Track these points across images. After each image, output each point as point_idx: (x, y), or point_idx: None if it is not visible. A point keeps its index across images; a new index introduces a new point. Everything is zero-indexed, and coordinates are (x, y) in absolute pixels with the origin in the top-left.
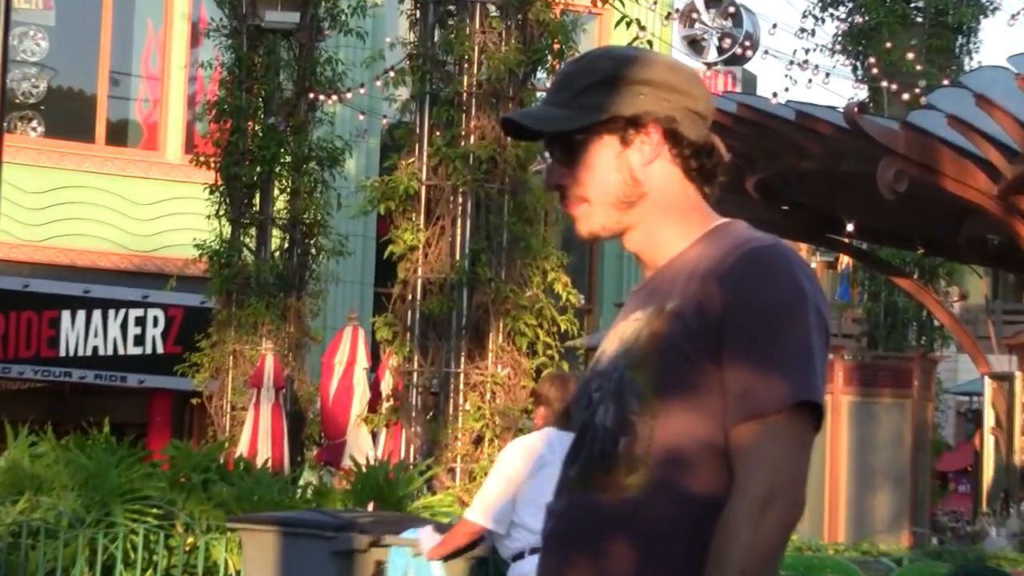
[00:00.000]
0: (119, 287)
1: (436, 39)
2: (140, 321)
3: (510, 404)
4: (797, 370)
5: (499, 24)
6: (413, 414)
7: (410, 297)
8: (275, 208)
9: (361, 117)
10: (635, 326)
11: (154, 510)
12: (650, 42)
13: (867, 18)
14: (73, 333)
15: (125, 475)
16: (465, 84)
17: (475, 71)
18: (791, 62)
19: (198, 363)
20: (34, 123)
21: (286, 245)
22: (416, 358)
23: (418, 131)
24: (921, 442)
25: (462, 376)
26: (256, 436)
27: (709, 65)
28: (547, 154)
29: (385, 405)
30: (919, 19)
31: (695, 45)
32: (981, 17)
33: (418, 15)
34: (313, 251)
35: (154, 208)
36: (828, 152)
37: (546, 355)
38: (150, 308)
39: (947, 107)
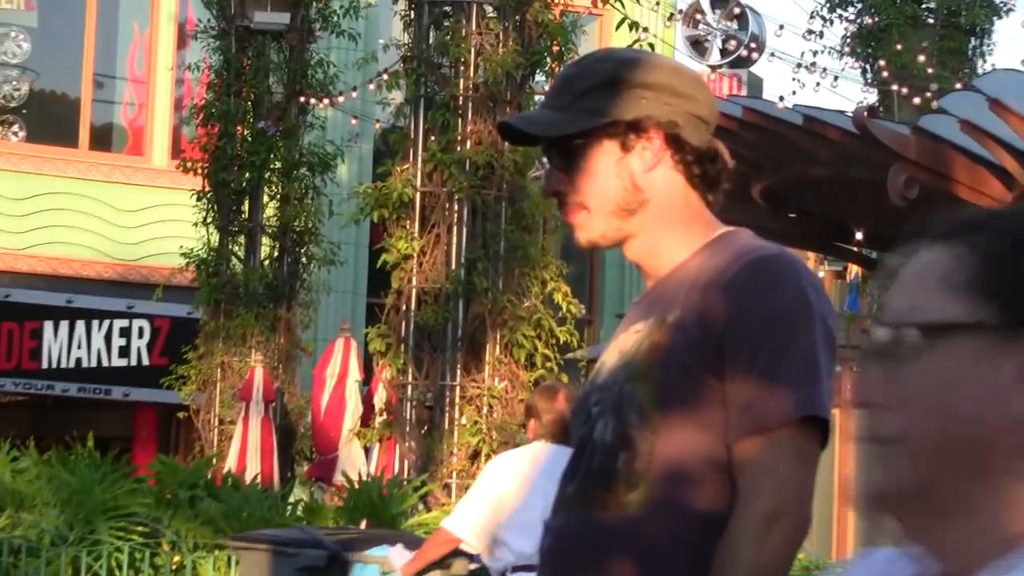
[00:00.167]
0: (103, 297)
1: (431, 41)
2: (125, 332)
3: (507, 418)
4: (802, 383)
5: (496, 25)
6: (407, 428)
7: (404, 307)
8: (264, 215)
9: (353, 121)
10: (635, 338)
11: (139, 527)
12: (652, 45)
13: (877, 19)
14: (56, 344)
15: (109, 491)
16: (461, 87)
17: (471, 74)
18: (798, 65)
19: (185, 375)
20: (15, 127)
21: (276, 254)
22: (410, 370)
23: (412, 136)
24: None
25: (458, 389)
26: (245, 451)
27: (713, 68)
28: (545, 160)
29: (378, 419)
30: (930, 20)
31: (698, 46)
32: (995, 18)
33: (412, 16)
34: (304, 260)
35: (139, 215)
36: (837, 158)
37: (545, 367)
38: (135, 319)
39: (960, 111)
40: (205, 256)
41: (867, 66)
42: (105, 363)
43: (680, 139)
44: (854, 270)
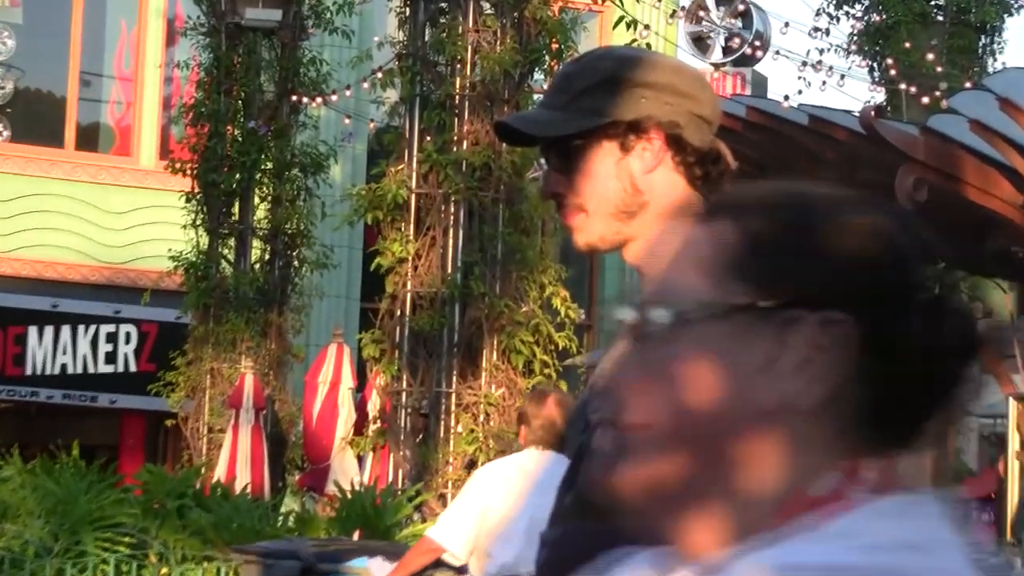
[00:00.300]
0: (89, 301)
1: (427, 38)
2: (112, 337)
3: (504, 426)
4: None
5: (494, 22)
6: (402, 437)
7: (399, 312)
8: (255, 217)
9: (347, 121)
10: None
11: (126, 538)
12: (648, 44)
13: (884, 16)
14: (40, 350)
15: (95, 501)
16: (458, 86)
17: (468, 72)
18: (804, 63)
19: (173, 382)
20: None
21: (267, 257)
22: (405, 377)
23: (407, 136)
24: (940, 468)
25: (454, 396)
26: (234, 460)
27: (717, 66)
28: (543, 160)
29: (372, 427)
30: (940, 18)
31: (700, 43)
32: (1005, 16)
33: (408, 13)
34: (296, 263)
35: (127, 217)
36: (843, 159)
37: (543, 374)
38: (122, 324)
39: (969, 111)
40: (194, 259)
41: (874, 64)
42: (91, 369)
43: (681, 140)
44: None
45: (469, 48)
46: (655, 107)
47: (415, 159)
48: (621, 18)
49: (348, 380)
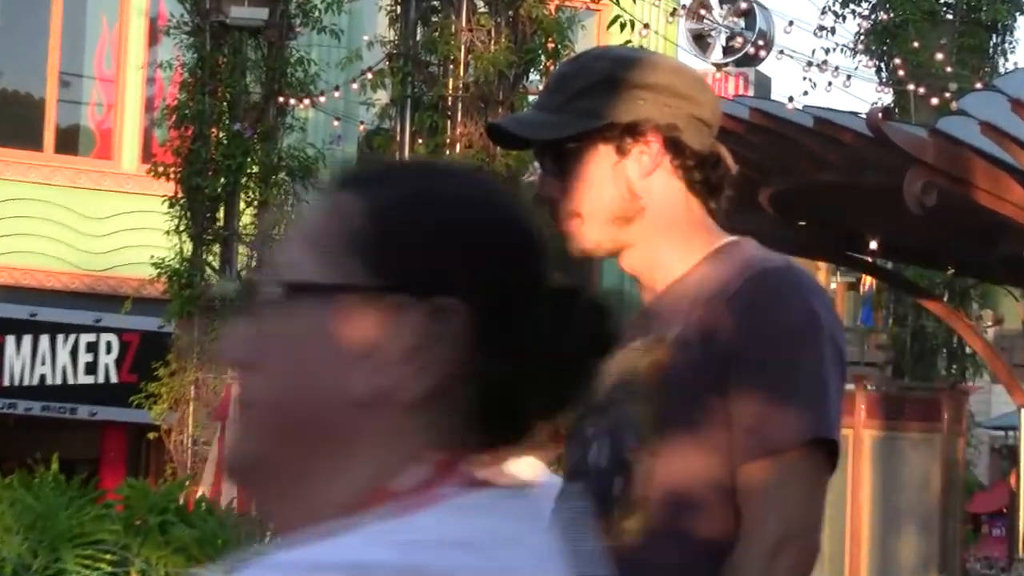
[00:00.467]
0: (69, 310)
1: (418, 37)
2: (92, 347)
3: None
4: (811, 404)
5: (488, 21)
6: None
7: None
8: (241, 223)
9: (336, 123)
10: (633, 356)
11: (107, 556)
12: (641, 46)
13: (892, 15)
14: (18, 360)
15: (75, 517)
16: (450, 87)
17: (461, 73)
18: (809, 63)
19: (156, 394)
20: None
21: (253, 264)
22: None
23: (399, 139)
24: (951, 481)
25: None
26: (220, 474)
27: (719, 66)
28: (537, 164)
29: None
30: (949, 16)
31: (701, 41)
32: (1017, 14)
33: (399, 11)
34: None
35: (108, 223)
36: (849, 162)
37: None
38: (103, 333)
39: (980, 113)
40: (177, 266)
41: (882, 64)
42: (71, 380)
43: (680, 143)
44: (868, 281)
45: (462, 48)
46: (653, 109)
47: None
48: (616, 17)
49: None
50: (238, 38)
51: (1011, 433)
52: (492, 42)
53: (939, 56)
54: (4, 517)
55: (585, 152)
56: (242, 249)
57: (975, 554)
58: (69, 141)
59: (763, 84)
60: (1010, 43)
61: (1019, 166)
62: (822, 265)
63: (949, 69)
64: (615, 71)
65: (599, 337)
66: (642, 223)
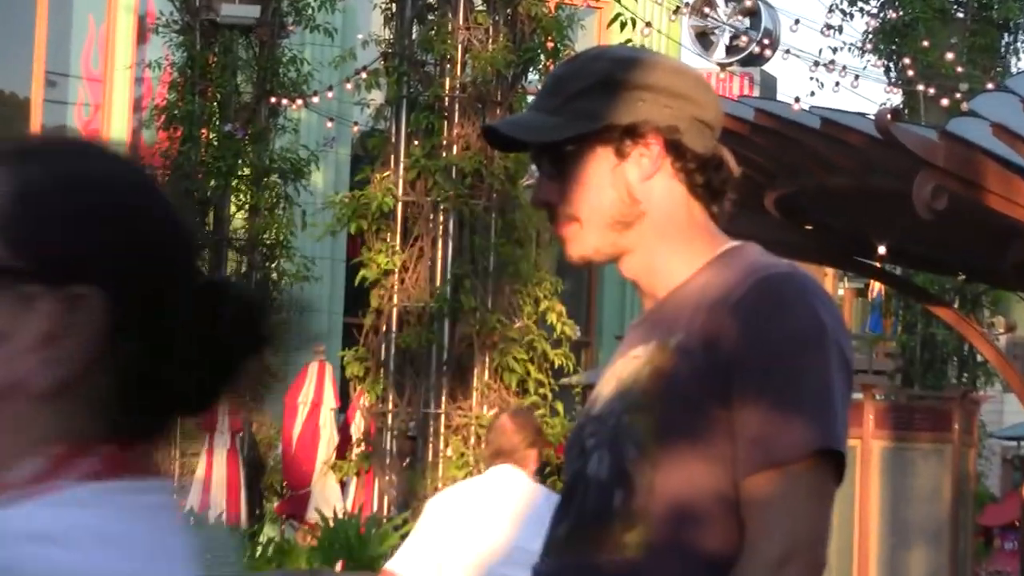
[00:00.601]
0: None
1: (414, 36)
2: None
3: None
4: (816, 414)
5: (486, 20)
6: (387, 461)
7: (384, 328)
8: (231, 227)
9: (329, 124)
10: (634, 364)
11: None
12: (642, 45)
13: (901, 13)
14: None
15: None
16: (447, 87)
17: (458, 72)
18: (816, 63)
19: None
20: None
21: (244, 269)
22: (391, 397)
23: (394, 140)
24: (962, 493)
25: (443, 418)
26: (209, 486)
27: (723, 66)
28: (535, 167)
29: (355, 451)
30: (960, 14)
31: (704, 39)
32: None
33: (394, 9)
34: (275, 276)
35: None
36: (857, 165)
37: (538, 394)
38: None
39: (992, 114)
40: None
41: (891, 64)
42: None
43: (681, 145)
44: (876, 287)
45: (459, 47)
46: (653, 111)
47: (402, 165)
48: (617, 15)
49: (330, 400)
50: (229, 37)
51: (1023, 443)
52: (490, 41)
53: (949, 56)
54: None
55: (584, 155)
56: (232, 255)
57: (987, 568)
58: None
59: (768, 84)
60: (1022, 42)
61: None
62: (829, 271)
63: (960, 69)
64: (614, 71)
65: (250, 333)
66: (642, 228)
